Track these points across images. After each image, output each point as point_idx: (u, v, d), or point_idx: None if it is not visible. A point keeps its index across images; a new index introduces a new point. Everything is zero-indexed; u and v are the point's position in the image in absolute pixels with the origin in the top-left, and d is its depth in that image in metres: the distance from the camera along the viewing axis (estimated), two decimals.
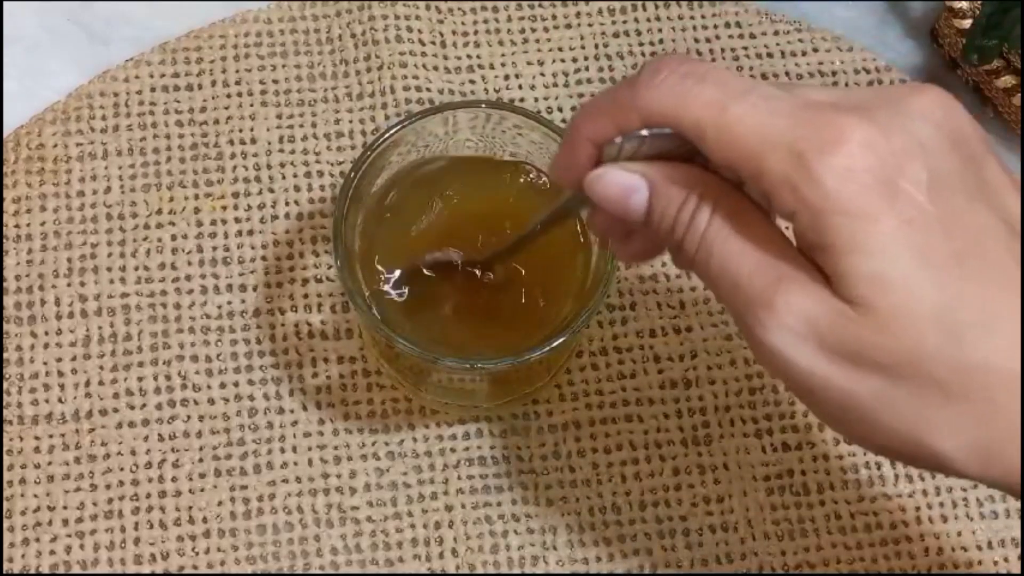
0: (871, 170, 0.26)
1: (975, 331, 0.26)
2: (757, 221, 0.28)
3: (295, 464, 0.44)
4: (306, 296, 0.46)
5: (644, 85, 0.28)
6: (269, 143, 0.48)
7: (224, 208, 0.47)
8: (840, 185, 0.26)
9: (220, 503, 0.43)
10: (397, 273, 0.40)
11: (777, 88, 0.27)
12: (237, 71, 0.50)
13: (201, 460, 0.43)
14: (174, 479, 0.43)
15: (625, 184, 0.29)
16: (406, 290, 0.40)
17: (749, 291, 0.27)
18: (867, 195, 0.26)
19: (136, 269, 0.46)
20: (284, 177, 0.48)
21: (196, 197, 0.47)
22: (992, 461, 0.27)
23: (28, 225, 0.46)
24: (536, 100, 0.50)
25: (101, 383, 0.44)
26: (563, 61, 0.51)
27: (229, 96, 0.49)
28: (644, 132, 0.28)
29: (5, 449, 0.43)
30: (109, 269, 0.46)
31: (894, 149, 0.26)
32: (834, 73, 0.51)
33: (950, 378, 0.26)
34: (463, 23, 0.51)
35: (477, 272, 0.40)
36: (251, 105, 0.49)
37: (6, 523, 0.42)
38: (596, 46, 0.51)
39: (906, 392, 0.26)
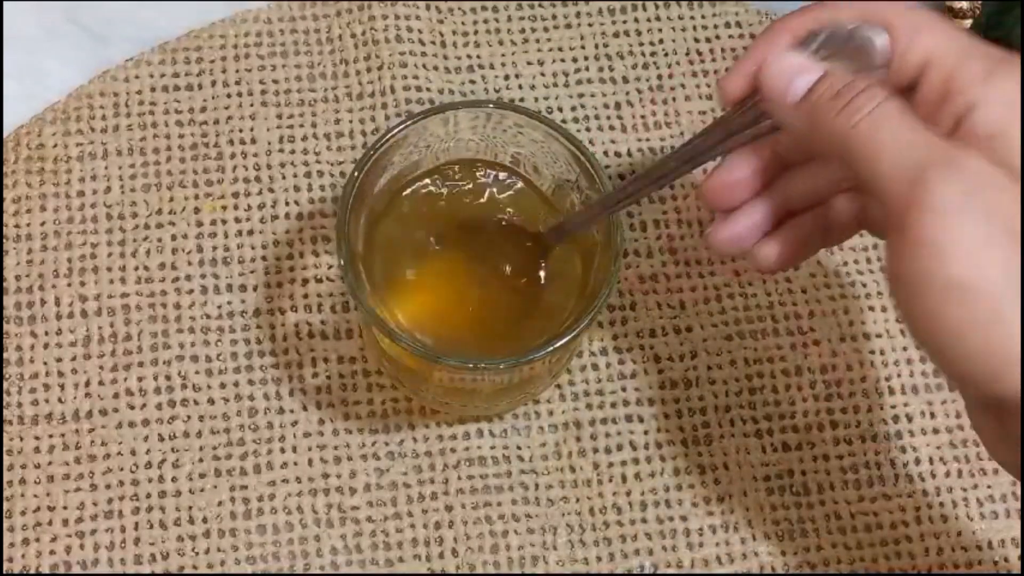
0: None
1: None
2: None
3: (295, 464, 0.43)
4: (306, 296, 0.46)
5: None
6: (269, 143, 0.48)
7: (224, 208, 0.47)
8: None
9: (220, 503, 0.43)
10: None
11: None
12: (237, 71, 0.50)
13: (201, 460, 0.43)
14: (174, 479, 0.43)
15: (801, 64, 0.32)
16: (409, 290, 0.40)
17: (928, 152, 0.29)
18: None
19: (136, 269, 0.46)
20: (284, 177, 0.48)
21: (196, 197, 0.47)
22: None
23: (28, 225, 0.46)
24: (536, 100, 0.50)
25: (101, 383, 0.44)
26: (563, 61, 0.51)
27: (229, 96, 0.49)
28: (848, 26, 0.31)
29: (5, 449, 0.43)
30: (109, 269, 0.46)
31: None
32: None
33: None
34: (463, 23, 0.51)
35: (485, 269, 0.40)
36: (251, 105, 0.49)
37: (6, 523, 0.42)
38: (596, 46, 0.51)
39: None
